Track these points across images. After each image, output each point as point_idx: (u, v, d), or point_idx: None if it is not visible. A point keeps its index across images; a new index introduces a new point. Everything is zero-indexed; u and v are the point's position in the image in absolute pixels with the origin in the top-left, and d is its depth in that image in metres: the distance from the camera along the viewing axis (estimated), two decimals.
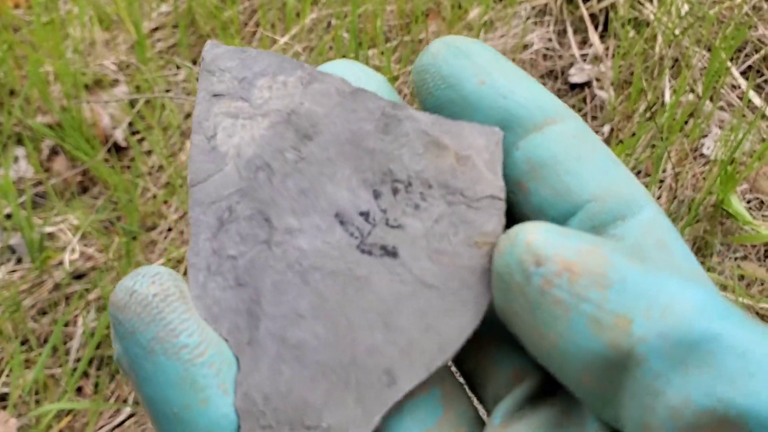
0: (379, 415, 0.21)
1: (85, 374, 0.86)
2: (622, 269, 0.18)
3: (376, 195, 0.23)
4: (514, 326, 0.20)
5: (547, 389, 0.22)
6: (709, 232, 0.92)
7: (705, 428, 0.16)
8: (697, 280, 0.20)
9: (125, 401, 0.84)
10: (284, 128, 0.23)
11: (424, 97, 0.24)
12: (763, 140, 0.96)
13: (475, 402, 0.24)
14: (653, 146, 0.96)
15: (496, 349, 0.23)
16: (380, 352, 0.21)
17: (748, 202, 0.95)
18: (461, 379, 0.24)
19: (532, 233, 0.19)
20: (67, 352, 0.86)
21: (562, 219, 0.22)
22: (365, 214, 0.23)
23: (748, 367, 0.15)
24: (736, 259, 0.91)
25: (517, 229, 0.20)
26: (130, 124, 1.06)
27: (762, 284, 0.89)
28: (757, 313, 0.87)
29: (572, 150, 0.22)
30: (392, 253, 0.22)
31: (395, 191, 0.23)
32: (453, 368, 0.24)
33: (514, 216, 0.23)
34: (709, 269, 0.89)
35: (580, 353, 0.18)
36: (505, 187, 0.23)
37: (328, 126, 0.23)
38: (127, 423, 0.82)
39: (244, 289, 0.22)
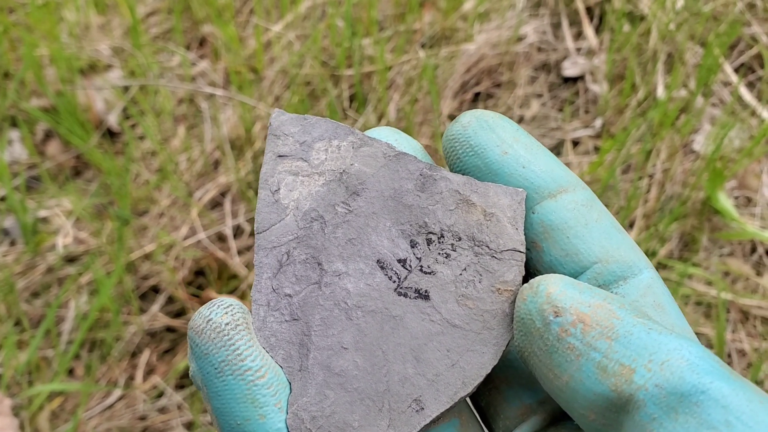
0: None
1: (77, 356, 0.87)
2: (628, 324, 0.21)
3: (413, 245, 0.26)
4: (531, 365, 0.23)
5: (551, 426, 0.25)
6: (696, 228, 0.93)
7: None
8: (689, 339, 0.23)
9: (115, 384, 0.85)
10: (337, 185, 0.27)
11: (452, 162, 0.27)
12: (752, 137, 0.96)
13: None
14: (644, 141, 0.97)
15: (507, 388, 0.26)
16: (411, 383, 0.25)
17: (736, 198, 0.96)
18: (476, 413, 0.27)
19: (552, 285, 0.22)
20: (59, 335, 0.87)
21: (571, 277, 0.24)
22: (403, 261, 0.26)
23: (728, 418, 0.18)
24: (721, 255, 0.92)
25: (539, 279, 0.23)
26: (124, 110, 1.07)
27: (747, 280, 0.90)
28: (741, 310, 0.88)
29: (581, 217, 0.25)
30: (424, 296, 0.26)
31: (429, 242, 0.26)
32: (469, 403, 0.27)
33: (529, 270, 0.26)
34: (694, 265, 0.90)
35: (588, 393, 0.20)
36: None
37: (374, 184, 0.27)
38: (117, 405, 0.84)
39: (298, 323, 0.26)
